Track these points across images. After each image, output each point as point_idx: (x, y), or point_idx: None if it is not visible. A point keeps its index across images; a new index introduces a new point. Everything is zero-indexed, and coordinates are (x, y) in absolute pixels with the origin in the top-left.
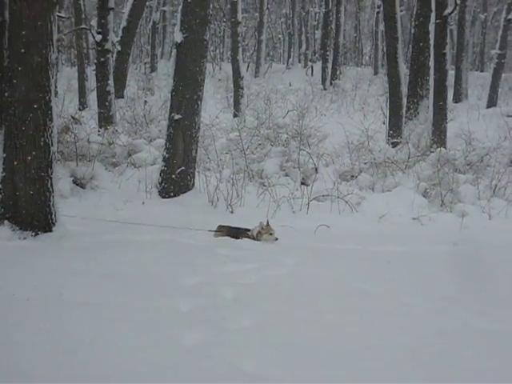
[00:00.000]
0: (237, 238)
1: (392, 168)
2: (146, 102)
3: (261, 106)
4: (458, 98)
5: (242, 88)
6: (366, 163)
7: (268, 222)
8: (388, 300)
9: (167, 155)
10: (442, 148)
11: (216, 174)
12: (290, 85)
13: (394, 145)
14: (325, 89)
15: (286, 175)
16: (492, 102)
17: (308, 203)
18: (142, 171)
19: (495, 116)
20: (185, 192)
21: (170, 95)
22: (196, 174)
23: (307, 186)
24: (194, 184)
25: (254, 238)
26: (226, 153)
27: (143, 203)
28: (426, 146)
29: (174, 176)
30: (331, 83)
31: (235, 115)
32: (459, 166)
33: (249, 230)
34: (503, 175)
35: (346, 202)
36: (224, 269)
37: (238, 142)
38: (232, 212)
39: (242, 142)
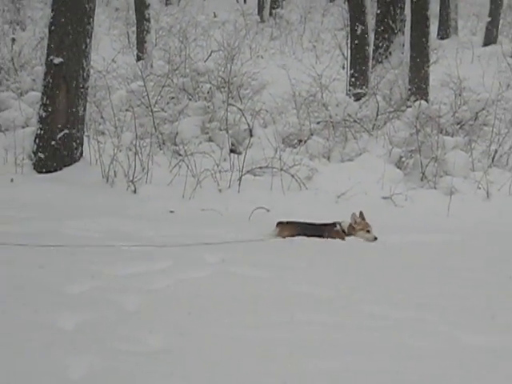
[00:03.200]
0: (317, 236)
1: (355, 129)
2: (13, 40)
3: (174, 46)
4: (444, 33)
5: (148, 20)
6: (318, 123)
7: (362, 214)
8: (345, 308)
9: (44, 114)
10: (422, 101)
11: (113, 140)
12: (215, 16)
13: (358, 97)
14: (262, 21)
15: (210, 140)
16: (490, 38)
17: (240, 178)
18: (9, 136)
19: (495, 57)
20: (69, 164)
21: (47, 30)
22: (85, 139)
23: (239, 154)
24: (82, 153)
25: (343, 235)
26: (127, 110)
27: (12, 181)
28: (400, 99)
29: (54, 143)
30: (271, 13)
31: (139, 58)
32: (446, 126)
33: (329, 225)
34: (506, 137)
35: (292, 177)
36: (127, 270)
37: (142, 94)
38: (135, 191)
39: (148, 95)
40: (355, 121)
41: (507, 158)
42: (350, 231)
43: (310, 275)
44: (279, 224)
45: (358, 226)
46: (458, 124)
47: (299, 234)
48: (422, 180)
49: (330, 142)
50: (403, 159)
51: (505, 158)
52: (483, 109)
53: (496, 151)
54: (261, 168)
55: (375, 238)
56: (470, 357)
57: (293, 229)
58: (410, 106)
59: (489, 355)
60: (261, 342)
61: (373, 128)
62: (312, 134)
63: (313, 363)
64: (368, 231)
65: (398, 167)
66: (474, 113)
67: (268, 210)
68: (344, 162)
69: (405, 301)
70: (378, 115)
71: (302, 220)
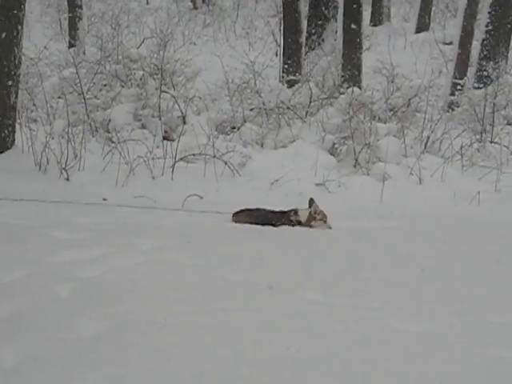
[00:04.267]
0: (271, 225)
1: (288, 116)
2: None
3: (107, 32)
4: (377, 20)
5: (80, 7)
6: (252, 109)
7: (312, 201)
8: (281, 295)
9: None
10: (355, 88)
11: (45, 127)
12: (148, 2)
13: (291, 84)
14: (195, 8)
15: (143, 127)
16: (423, 25)
17: (173, 165)
18: None
19: (427, 44)
20: (1, 152)
21: None
22: (17, 126)
23: (172, 141)
24: (13, 141)
25: (299, 225)
26: (59, 97)
27: None
28: (333, 86)
29: None
30: (204, 0)
31: (71, 45)
32: (379, 112)
33: (287, 213)
34: (438, 124)
35: (226, 164)
36: (60, 257)
37: (74, 81)
38: (68, 179)
39: (80, 82)
40: (288, 108)
41: (439, 145)
42: (310, 220)
43: (248, 263)
44: (236, 213)
45: (318, 216)
46: (390, 110)
47: (254, 221)
48: (355, 166)
49: (263, 128)
50: (336, 146)
51: (437, 145)
52: (416, 95)
53: (428, 137)
54: (194, 155)
55: (330, 228)
56: (402, 343)
57: (248, 215)
58: (343, 93)
59: (424, 340)
60: (192, 329)
61: (306, 115)
62: (245, 121)
63: (251, 350)
64: (325, 221)
65: (331, 154)
66: (406, 99)
67: (201, 197)
68: (277, 149)
69: (341, 287)
70: (311, 102)
71: (262, 207)
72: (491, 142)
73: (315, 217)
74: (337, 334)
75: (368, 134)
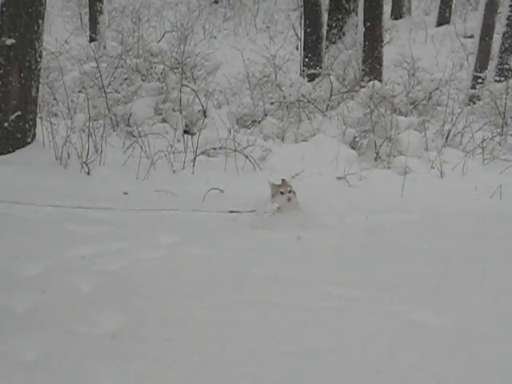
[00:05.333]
0: None
1: (309, 109)
2: None
3: (127, 27)
4: (397, 13)
5: (101, 1)
6: (272, 103)
7: (284, 181)
8: (300, 289)
9: None
10: (375, 81)
11: (66, 121)
12: None
13: (312, 78)
14: (216, 1)
15: (164, 121)
16: (444, 18)
17: (194, 159)
18: None
19: (448, 37)
20: (22, 147)
21: None
22: (38, 121)
23: (192, 135)
24: (34, 135)
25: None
26: (80, 91)
27: None
28: (354, 79)
29: (6, 125)
30: None
31: (92, 39)
32: (400, 106)
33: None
34: (459, 117)
35: (246, 157)
36: (81, 251)
37: (95, 75)
38: (88, 173)
39: (101, 77)
40: (309, 101)
41: (460, 138)
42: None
43: (269, 256)
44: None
45: (283, 188)
46: (411, 104)
47: None
48: (375, 160)
49: (283, 122)
50: (357, 139)
51: (458, 138)
52: (437, 89)
53: (449, 131)
54: (215, 149)
55: (289, 199)
56: (420, 336)
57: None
58: (364, 86)
59: (441, 334)
60: (218, 324)
61: (327, 108)
62: (266, 115)
63: (268, 343)
64: (282, 193)
65: (352, 147)
66: (427, 93)
67: (222, 191)
68: (298, 143)
69: (363, 281)
70: (331, 95)
71: None
72: None
73: (282, 191)
74: (357, 327)
75: (389, 127)
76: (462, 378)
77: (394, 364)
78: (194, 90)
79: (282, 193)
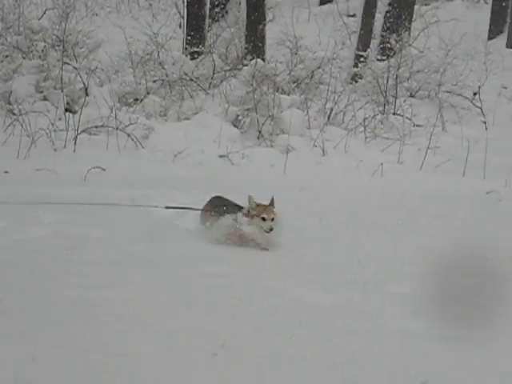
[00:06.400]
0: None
1: (191, 88)
2: None
3: (8, 3)
4: None
5: None
6: (155, 81)
7: (272, 201)
8: (188, 270)
9: None
10: (258, 59)
11: None
12: None
13: (194, 56)
14: None
15: (45, 99)
16: None
17: (75, 138)
18: None
19: (331, 16)
20: None
21: None
22: None
23: (74, 113)
24: None
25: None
26: None
27: None
28: (237, 58)
29: None
30: None
31: None
32: (282, 84)
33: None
34: (341, 96)
35: (129, 136)
36: None
37: None
38: None
39: None
40: (191, 79)
41: (343, 116)
42: (248, 216)
43: (141, 237)
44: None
45: (254, 212)
46: (294, 82)
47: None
48: (258, 138)
49: (166, 100)
50: (240, 118)
51: (340, 116)
52: (319, 67)
53: (332, 109)
54: (96, 127)
55: (271, 229)
56: (303, 313)
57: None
58: (247, 65)
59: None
60: (105, 302)
61: (209, 87)
62: (148, 93)
63: (152, 321)
64: (263, 218)
65: (235, 126)
66: (309, 71)
67: (104, 170)
68: (181, 121)
69: (240, 259)
70: (214, 74)
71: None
72: (394, 113)
73: (251, 212)
74: (238, 305)
75: (271, 105)
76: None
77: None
78: (76, 68)
79: (263, 218)
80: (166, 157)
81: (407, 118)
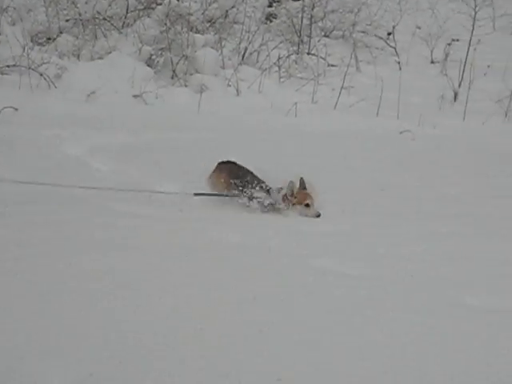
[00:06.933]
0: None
1: (104, 27)
2: None
3: None
4: None
5: None
6: (68, 20)
7: (302, 181)
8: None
9: None
10: None
11: None
12: None
13: None
14: None
15: None
16: None
17: None
18: None
19: None
20: None
21: None
22: None
23: None
24: None
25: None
26: None
27: None
28: None
29: None
30: None
31: None
32: (196, 24)
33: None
34: (256, 35)
35: (41, 75)
36: None
37: None
38: None
39: None
40: (105, 18)
41: (257, 56)
42: (285, 200)
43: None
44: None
45: (294, 199)
46: (208, 22)
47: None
48: (172, 78)
49: (79, 40)
50: (153, 57)
51: (254, 56)
52: (233, 6)
53: (246, 49)
54: (8, 67)
55: (318, 216)
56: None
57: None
58: (160, 4)
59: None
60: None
61: (123, 26)
62: (61, 32)
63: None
64: (307, 205)
65: (149, 65)
66: (224, 10)
67: (16, 110)
68: (94, 61)
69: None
70: (127, 13)
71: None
72: (308, 53)
73: (290, 199)
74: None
75: (185, 45)
76: None
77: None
78: None
79: (307, 205)
80: (79, 96)
81: (321, 57)
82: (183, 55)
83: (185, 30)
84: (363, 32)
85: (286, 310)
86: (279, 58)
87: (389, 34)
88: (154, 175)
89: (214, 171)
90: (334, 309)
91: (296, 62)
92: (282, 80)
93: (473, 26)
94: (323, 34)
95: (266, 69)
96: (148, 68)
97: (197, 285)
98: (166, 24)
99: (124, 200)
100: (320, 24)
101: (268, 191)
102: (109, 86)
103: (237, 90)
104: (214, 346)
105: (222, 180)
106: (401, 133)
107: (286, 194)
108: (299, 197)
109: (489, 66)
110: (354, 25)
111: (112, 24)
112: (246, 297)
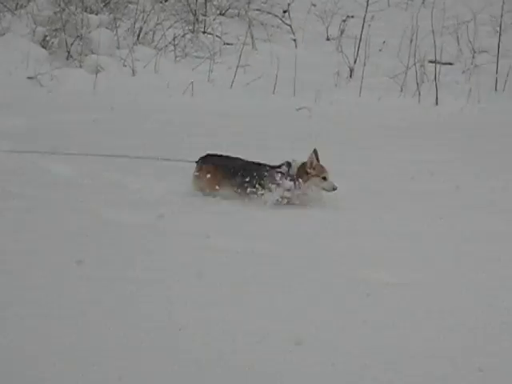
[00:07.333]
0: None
1: None
2: None
3: None
4: None
5: None
6: None
7: (316, 153)
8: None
9: None
10: None
11: None
12: None
13: None
14: None
15: None
16: None
17: None
18: None
19: None
20: None
21: None
22: None
23: None
24: None
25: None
26: None
27: None
28: None
29: None
30: None
31: None
32: (90, 4)
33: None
34: (151, 15)
35: None
36: None
37: None
38: None
39: None
40: (1, 2)
41: (152, 36)
42: (301, 176)
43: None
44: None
45: (313, 171)
46: (102, 2)
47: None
48: (67, 59)
49: None
50: (48, 38)
51: (150, 36)
52: None
53: (141, 29)
54: None
55: (334, 189)
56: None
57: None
58: None
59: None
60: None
61: (16, 7)
62: None
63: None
64: (324, 178)
65: (43, 46)
66: None
67: None
68: None
69: None
70: None
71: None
72: (204, 32)
73: (309, 172)
74: None
75: (80, 25)
76: None
77: None
78: None
79: (324, 178)
80: None
81: (217, 36)
82: (78, 36)
83: (79, 10)
84: (258, 10)
85: None
86: (175, 38)
87: (284, 11)
88: (54, 158)
89: (200, 169)
90: None
91: (191, 41)
92: (177, 59)
93: (367, 2)
94: (218, 12)
95: (161, 48)
96: (42, 49)
97: None
98: (59, 5)
99: None
100: (215, 2)
101: (281, 170)
102: (2, 68)
103: (133, 70)
104: None
105: (210, 176)
106: (298, 110)
107: (300, 167)
108: (317, 169)
109: (384, 42)
110: (249, 3)
111: (5, 6)
112: None
